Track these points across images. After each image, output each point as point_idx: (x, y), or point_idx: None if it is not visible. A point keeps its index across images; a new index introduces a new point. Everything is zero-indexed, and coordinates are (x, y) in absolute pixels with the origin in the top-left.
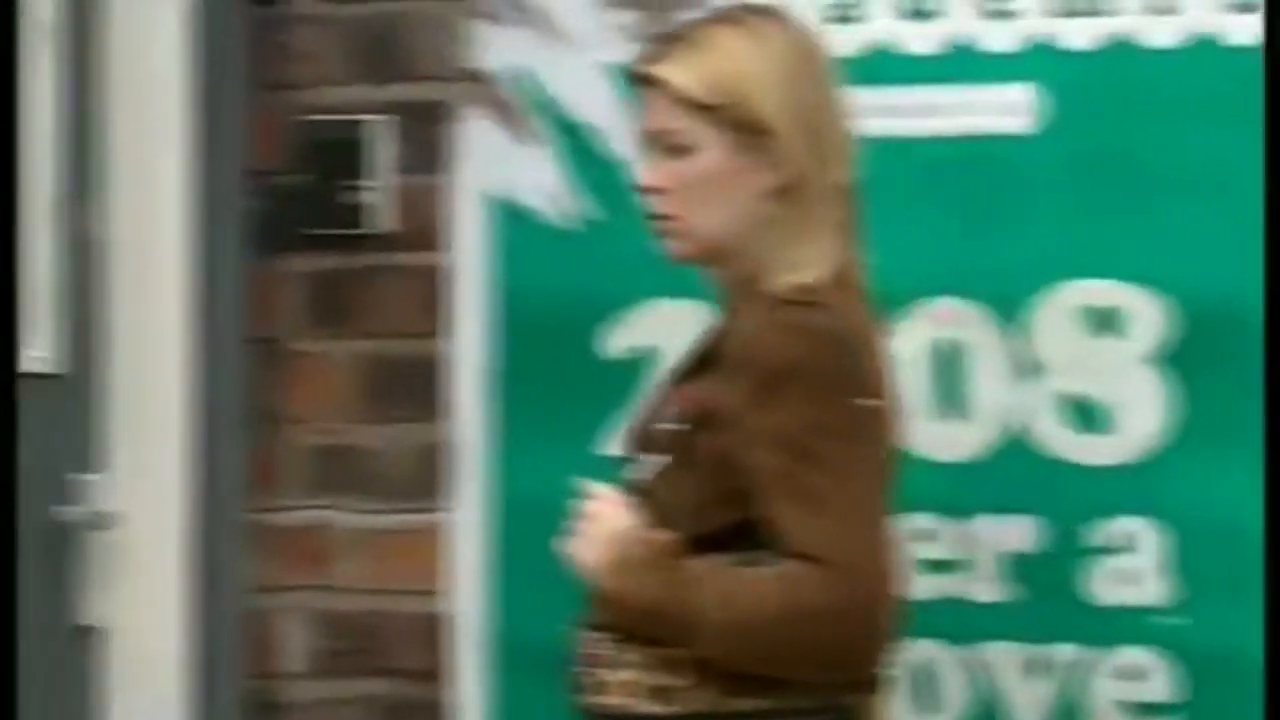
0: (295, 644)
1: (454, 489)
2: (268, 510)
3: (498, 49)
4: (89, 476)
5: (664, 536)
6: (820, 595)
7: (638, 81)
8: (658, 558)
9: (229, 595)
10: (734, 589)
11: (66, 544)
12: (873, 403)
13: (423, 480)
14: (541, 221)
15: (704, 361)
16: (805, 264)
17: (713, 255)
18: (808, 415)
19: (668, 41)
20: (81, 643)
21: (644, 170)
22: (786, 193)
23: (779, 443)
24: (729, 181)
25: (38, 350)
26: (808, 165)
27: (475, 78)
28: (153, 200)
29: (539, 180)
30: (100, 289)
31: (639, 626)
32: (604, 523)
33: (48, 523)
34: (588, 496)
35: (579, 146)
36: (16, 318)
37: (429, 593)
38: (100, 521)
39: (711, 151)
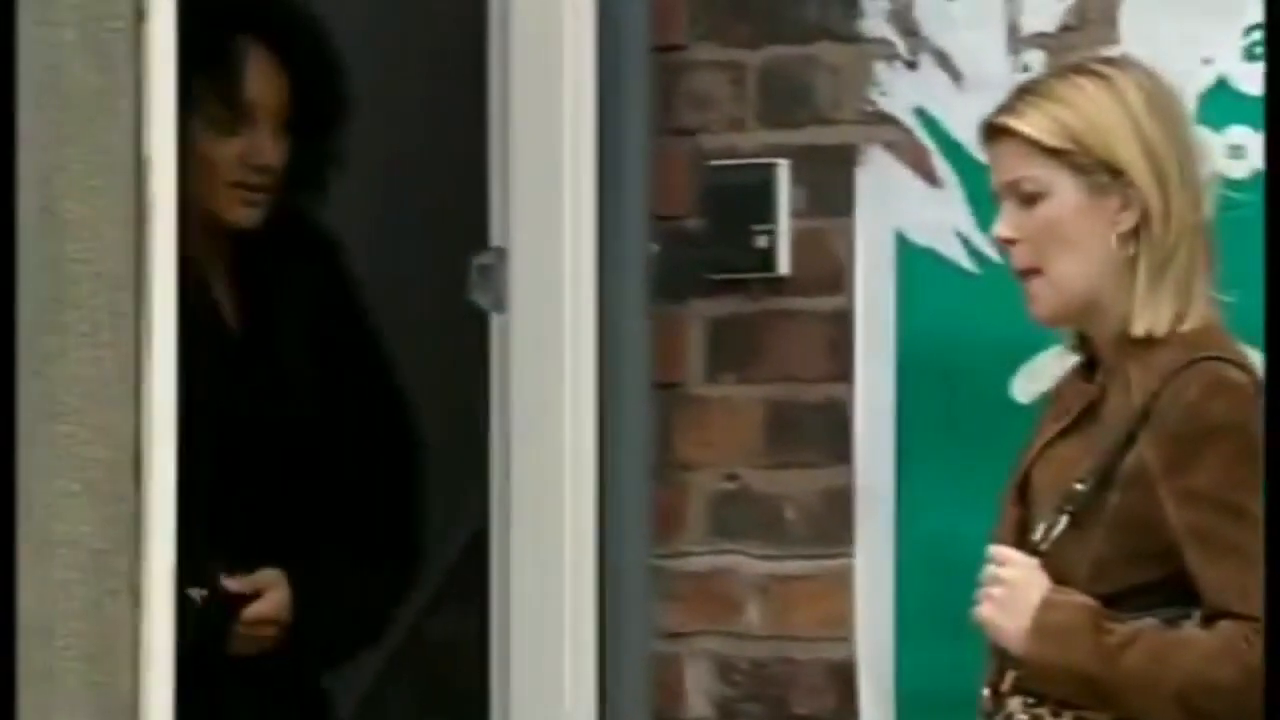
0: (701, 690)
1: (859, 534)
2: (673, 556)
3: (901, 91)
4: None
5: (1084, 600)
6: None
7: (991, 135)
8: (1083, 622)
9: (635, 641)
10: (1169, 651)
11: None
12: None
13: (827, 525)
14: (946, 263)
15: (1086, 416)
16: (1151, 303)
17: (1076, 311)
18: (1237, 473)
19: (1018, 95)
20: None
21: (999, 223)
22: (1141, 234)
23: (1209, 501)
24: (1083, 225)
25: None
26: (1159, 206)
27: (879, 120)
28: (557, 246)
29: (944, 222)
30: (503, 335)
31: (1065, 692)
32: (1019, 589)
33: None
34: (997, 561)
35: (983, 188)
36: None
37: (835, 639)
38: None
39: (1064, 196)
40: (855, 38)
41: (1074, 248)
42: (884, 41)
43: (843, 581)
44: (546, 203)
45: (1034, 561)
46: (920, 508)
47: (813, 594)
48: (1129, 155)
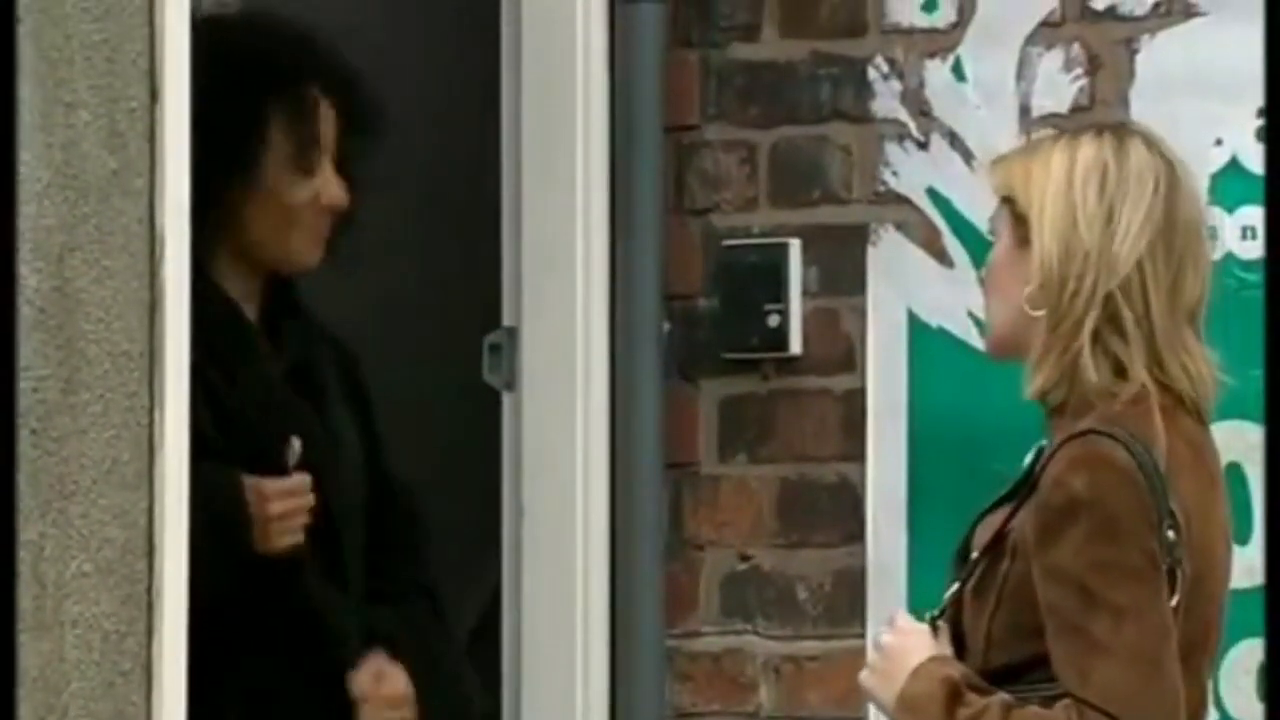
0: None
1: (871, 614)
2: (685, 635)
3: (912, 171)
4: None
5: (949, 670)
6: None
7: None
8: (940, 693)
9: None
10: None
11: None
12: (1169, 534)
13: (839, 605)
14: (958, 343)
15: (1023, 483)
16: (1043, 366)
17: (1010, 349)
18: (1089, 552)
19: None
20: None
21: None
22: (1043, 299)
23: (1061, 578)
24: (1008, 273)
25: None
26: (1056, 273)
27: (890, 200)
28: (570, 325)
29: (955, 302)
30: (515, 414)
31: None
32: (896, 656)
33: None
34: (890, 629)
35: None
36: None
37: (847, 719)
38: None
39: (1003, 241)
40: (867, 118)
41: (998, 292)
42: (895, 122)
43: (855, 661)
44: (559, 282)
45: (921, 628)
46: (932, 588)
47: (825, 674)
48: (1039, 216)
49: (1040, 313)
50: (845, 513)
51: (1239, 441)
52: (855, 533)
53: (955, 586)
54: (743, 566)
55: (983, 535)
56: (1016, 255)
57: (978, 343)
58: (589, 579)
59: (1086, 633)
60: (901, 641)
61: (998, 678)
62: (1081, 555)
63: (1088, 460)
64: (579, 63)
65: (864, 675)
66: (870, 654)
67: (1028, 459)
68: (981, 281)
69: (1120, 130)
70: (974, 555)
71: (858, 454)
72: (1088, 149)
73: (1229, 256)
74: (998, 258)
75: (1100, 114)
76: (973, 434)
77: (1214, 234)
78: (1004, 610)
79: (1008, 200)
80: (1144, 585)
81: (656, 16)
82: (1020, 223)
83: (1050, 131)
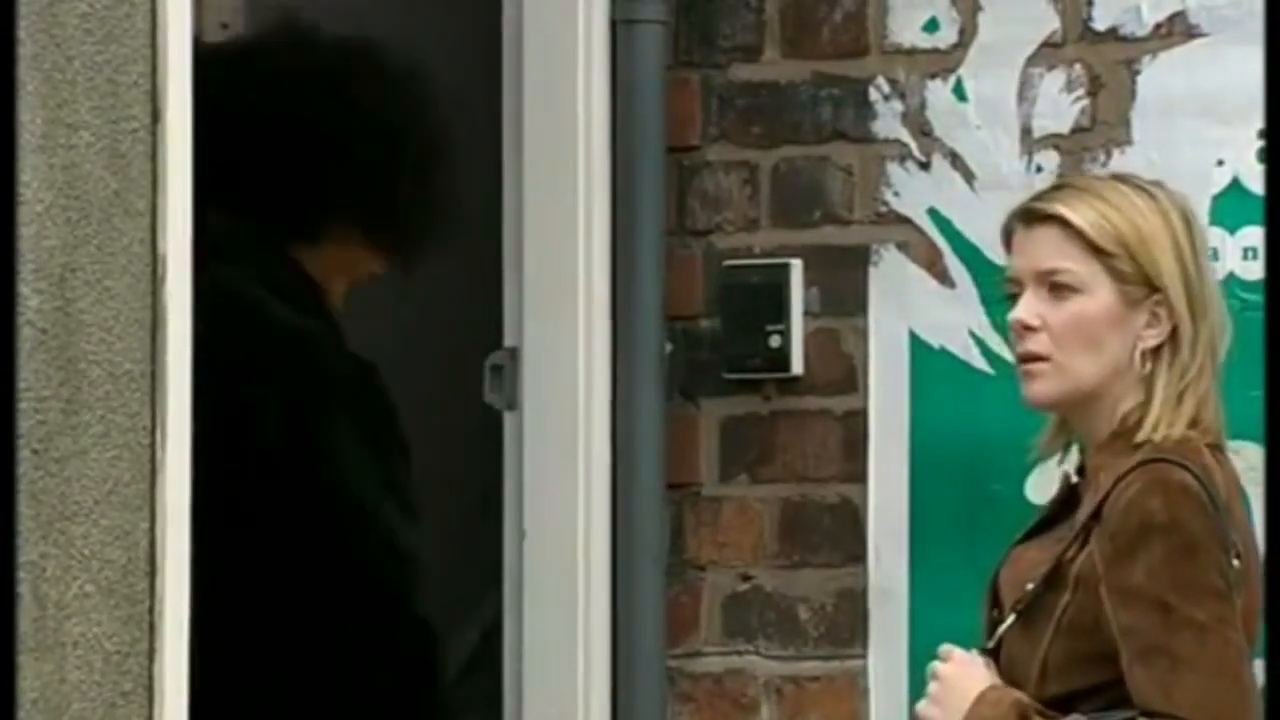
0: None
1: (872, 634)
2: (686, 656)
3: (914, 191)
4: None
5: (1017, 696)
6: None
7: (1032, 219)
8: (1009, 715)
9: None
10: None
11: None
12: (1235, 562)
13: (841, 625)
14: (960, 364)
15: (1059, 518)
16: (1167, 420)
17: (1076, 400)
18: (1169, 572)
19: (1065, 188)
20: None
21: (1020, 307)
22: (1165, 352)
23: (1138, 599)
24: (1109, 330)
25: None
26: (1189, 328)
27: (892, 220)
28: (572, 346)
29: (957, 323)
30: (516, 434)
31: None
32: (955, 684)
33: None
34: (940, 658)
35: (997, 289)
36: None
37: None
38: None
39: (1099, 297)
40: (868, 138)
41: (1095, 348)
42: (897, 142)
43: (856, 682)
44: (561, 302)
45: (977, 658)
46: (934, 608)
47: (826, 694)
48: (1170, 274)
49: (1148, 370)
50: (846, 533)
51: (1239, 462)
52: (857, 553)
53: (1011, 620)
54: (744, 587)
55: (1012, 570)
56: (1123, 313)
57: (979, 363)
58: (590, 599)
59: (1169, 650)
60: (960, 670)
61: (1051, 708)
62: (1160, 575)
63: (1162, 485)
64: (580, 84)
65: (922, 706)
66: (930, 685)
67: (1054, 488)
68: (1026, 328)
69: (1165, 185)
70: (1029, 587)
71: (859, 474)
72: (1170, 203)
73: (1231, 277)
74: (1091, 315)
75: (1103, 135)
76: (974, 454)
77: (1215, 255)
78: (1061, 640)
79: (1105, 253)
80: (1223, 603)
81: (658, 37)
82: (1125, 280)
83: (1099, 173)
